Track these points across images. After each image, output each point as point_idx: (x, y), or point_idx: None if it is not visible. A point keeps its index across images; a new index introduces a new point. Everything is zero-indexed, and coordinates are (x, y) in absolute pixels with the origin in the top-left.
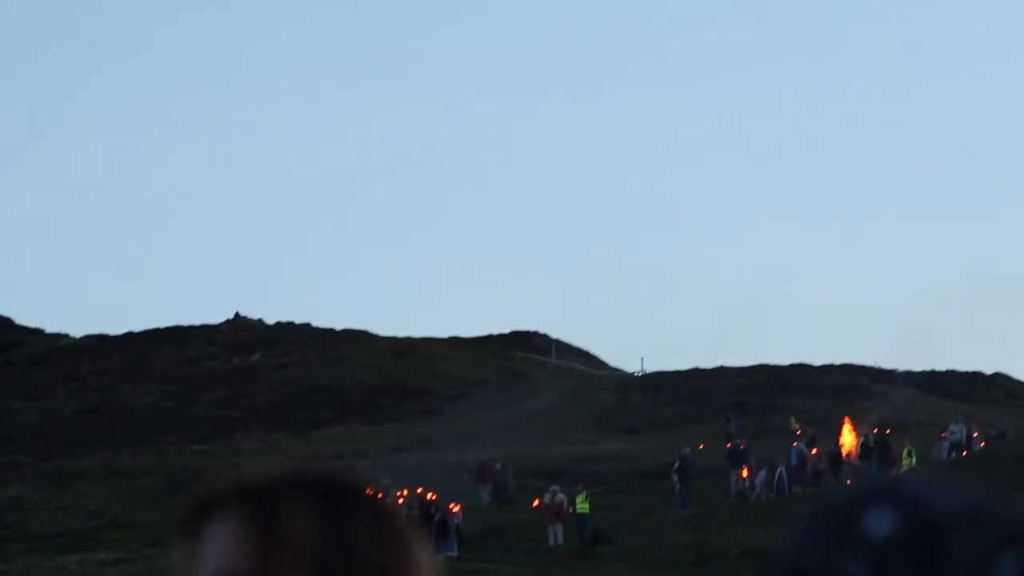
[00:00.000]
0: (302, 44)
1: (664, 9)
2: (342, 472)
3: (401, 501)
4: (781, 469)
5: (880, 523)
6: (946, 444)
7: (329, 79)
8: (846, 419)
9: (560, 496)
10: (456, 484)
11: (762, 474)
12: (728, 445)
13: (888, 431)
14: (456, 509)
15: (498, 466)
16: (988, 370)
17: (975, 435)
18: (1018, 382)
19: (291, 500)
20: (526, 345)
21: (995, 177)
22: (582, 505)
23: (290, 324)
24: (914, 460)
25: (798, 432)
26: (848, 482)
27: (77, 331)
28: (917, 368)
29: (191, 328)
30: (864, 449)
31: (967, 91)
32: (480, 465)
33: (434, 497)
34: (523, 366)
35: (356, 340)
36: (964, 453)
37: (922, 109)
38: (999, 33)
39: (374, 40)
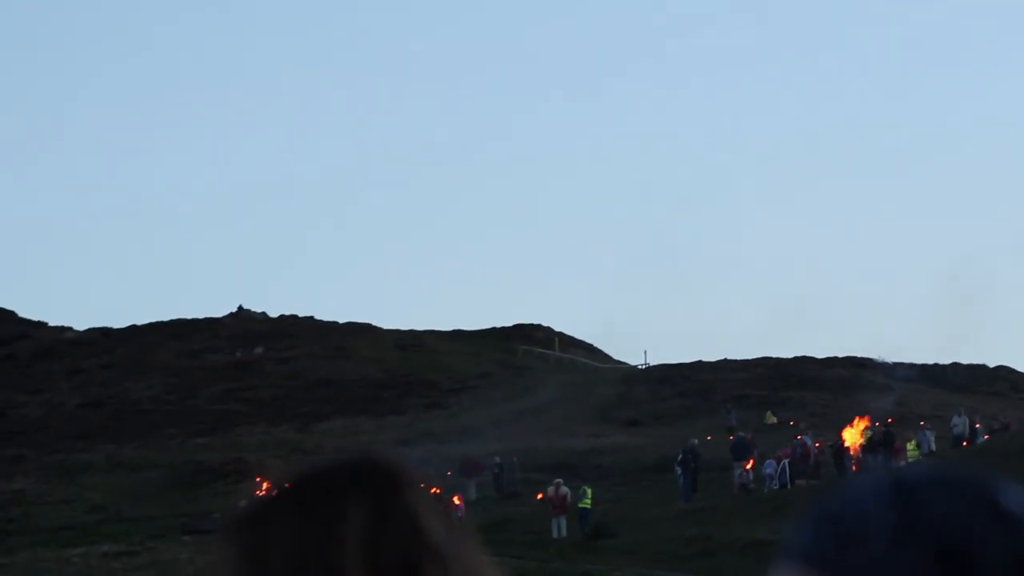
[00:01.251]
0: (305, 44)
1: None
2: (389, 458)
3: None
4: (784, 462)
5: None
6: (930, 435)
7: (331, 77)
8: (857, 418)
9: (564, 489)
10: (444, 479)
11: (771, 463)
12: (731, 438)
13: (890, 421)
14: (459, 502)
15: (496, 460)
16: (992, 363)
17: (977, 427)
18: (1021, 374)
19: (342, 489)
20: (529, 338)
21: (999, 171)
22: (585, 501)
23: (294, 317)
24: (919, 452)
25: (773, 423)
26: (856, 473)
27: (81, 324)
28: (920, 361)
29: (195, 321)
30: (871, 442)
31: (980, 86)
32: (465, 459)
33: (438, 491)
34: (526, 359)
35: (360, 333)
36: (965, 444)
37: (920, 106)
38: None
39: (377, 39)
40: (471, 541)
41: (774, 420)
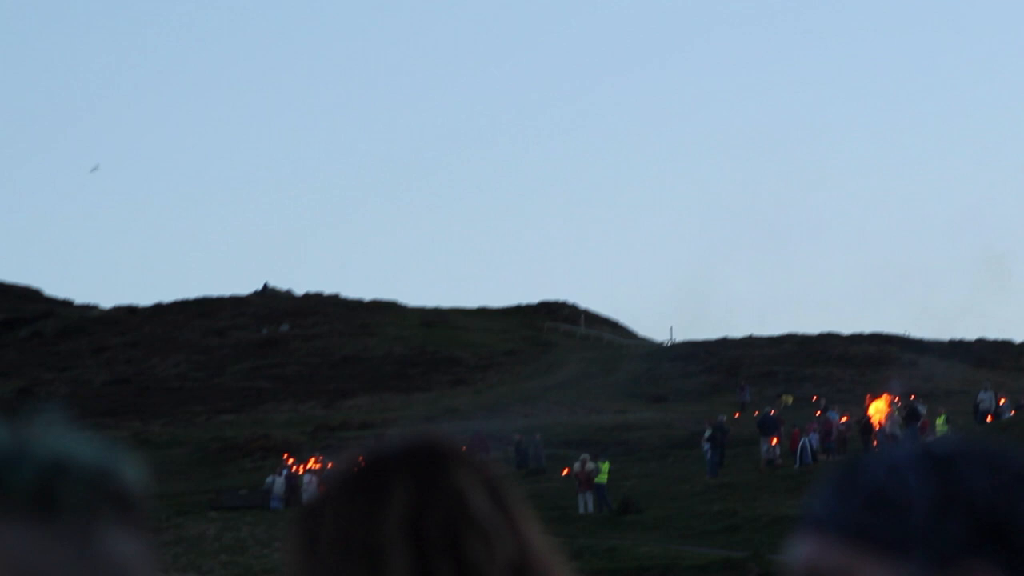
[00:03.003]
0: (333, 25)
1: None
2: (441, 439)
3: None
4: (805, 439)
5: None
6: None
7: (359, 57)
8: (884, 394)
9: (590, 464)
10: None
11: (814, 436)
12: (756, 413)
13: (911, 397)
14: None
15: (516, 437)
16: (1018, 338)
17: (1003, 403)
18: None
19: (390, 470)
20: (555, 315)
21: None
22: (601, 476)
23: (319, 295)
24: (947, 427)
25: (789, 403)
26: (882, 447)
27: (106, 302)
28: (946, 337)
29: (220, 299)
30: (902, 416)
31: None
32: (475, 435)
33: (497, 469)
34: (552, 336)
35: (385, 311)
36: (989, 419)
37: (927, 101)
38: None
39: (417, 19)
40: (522, 517)
41: (789, 401)
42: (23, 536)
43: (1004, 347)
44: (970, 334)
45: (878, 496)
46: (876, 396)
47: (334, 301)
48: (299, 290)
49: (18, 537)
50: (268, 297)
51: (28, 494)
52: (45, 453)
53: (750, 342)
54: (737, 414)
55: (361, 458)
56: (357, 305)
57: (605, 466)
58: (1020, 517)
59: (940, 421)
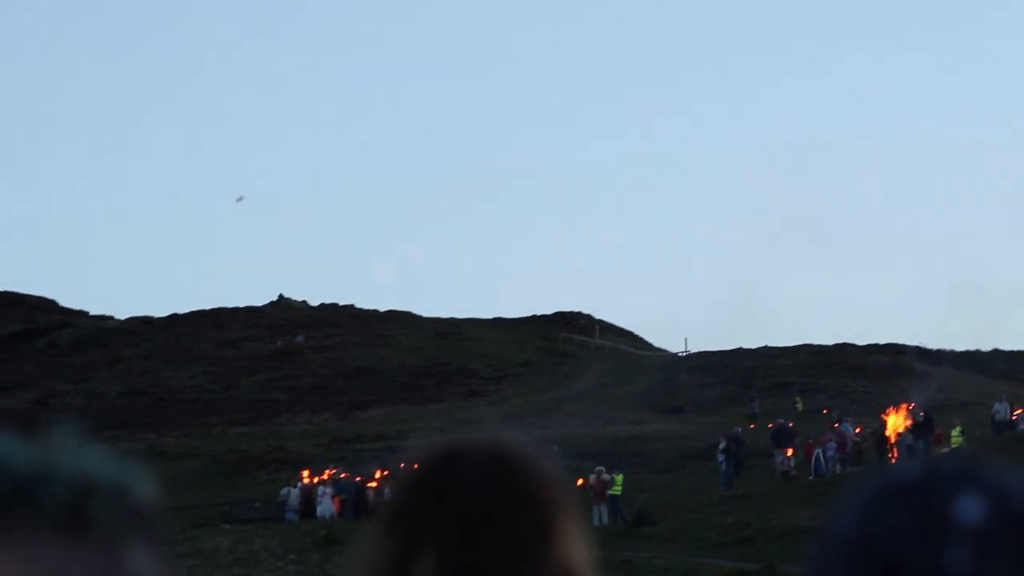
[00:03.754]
0: (342, 33)
1: None
2: (503, 441)
3: None
4: (818, 451)
5: (973, 509)
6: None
7: (372, 65)
8: (902, 404)
9: (605, 476)
10: None
11: (830, 446)
12: (770, 425)
13: (921, 412)
14: None
15: (555, 448)
16: None
17: (1019, 413)
18: None
19: (454, 470)
20: (570, 326)
21: None
22: (615, 488)
23: (334, 306)
24: (962, 439)
25: (800, 409)
26: (897, 462)
27: (121, 313)
28: (961, 348)
29: (235, 310)
30: (917, 428)
31: None
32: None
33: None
34: (567, 347)
35: (400, 321)
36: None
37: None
38: None
39: (429, 27)
40: (563, 522)
41: (799, 406)
42: (55, 554)
43: (1019, 358)
44: (985, 345)
45: (896, 522)
46: (895, 407)
47: (349, 312)
48: (314, 301)
49: (50, 555)
50: (283, 308)
51: (59, 512)
52: (73, 470)
53: (765, 352)
54: (752, 425)
55: (421, 459)
56: (372, 316)
57: (619, 478)
58: (917, 559)
59: (955, 432)
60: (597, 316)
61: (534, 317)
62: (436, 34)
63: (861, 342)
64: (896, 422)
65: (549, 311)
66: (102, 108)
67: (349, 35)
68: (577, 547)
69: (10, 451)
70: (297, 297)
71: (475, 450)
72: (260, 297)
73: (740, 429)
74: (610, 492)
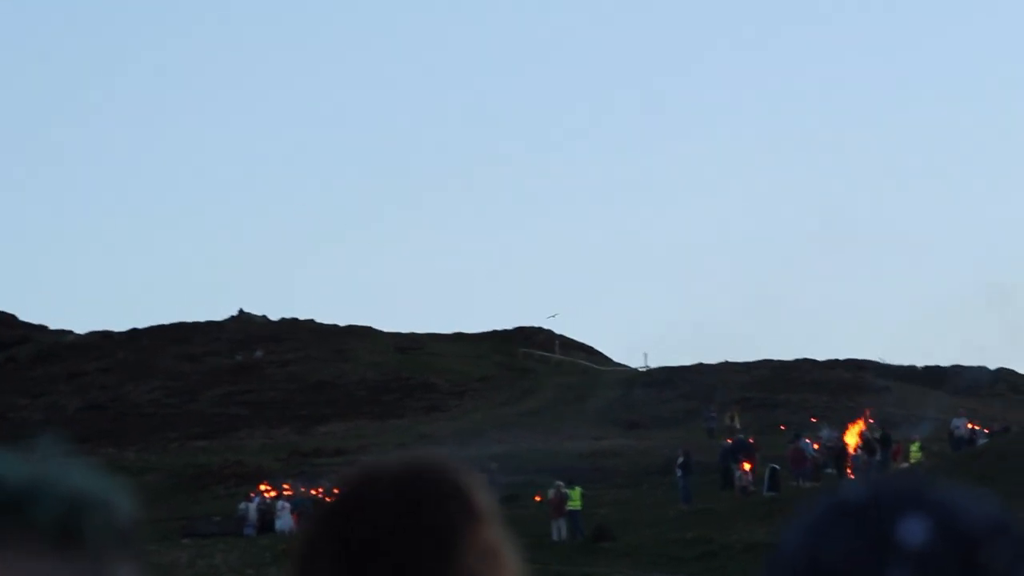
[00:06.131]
0: (308, 44)
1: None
2: (419, 462)
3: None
4: (772, 466)
5: (916, 531)
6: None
7: (334, 79)
8: (860, 419)
9: (564, 491)
10: None
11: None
12: (729, 440)
13: (872, 422)
14: None
15: (494, 466)
16: (992, 365)
17: (977, 429)
18: (1022, 376)
19: (375, 493)
20: (530, 341)
21: (1010, 182)
22: (574, 502)
23: (294, 320)
24: (921, 454)
25: (737, 426)
26: (853, 479)
27: (81, 328)
28: (920, 363)
29: (195, 325)
30: (869, 445)
31: None
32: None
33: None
34: (527, 362)
35: (360, 336)
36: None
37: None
38: None
39: (377, 42)
40: (476, 542)
41: (734, 421)
42: (48, 569)
43: (979, 373)
44: (945, 360)
45: (839, 543)
46: (853, 422)
47: (309, 326)
48: (274, 315)
49: (43, 570)
50: (243, 323)
51: (52, 528)
52: (64, 487)
53: (726, 367)
54: (730, 440)
55: (357, 478)
56: (332, 330)
57: (576, 492)
58: None
59: (915, 448)
60: (557, 331)
61: (495, 332)
62: (393, 53)
63: (821, 357)
64: (852, 437)
65: (510, 326)
66: (61, 119)
67: (308, 51)
68: (498, 566)
69: (2, 466)
70: (257, 311)
71: (385, 476)
72: (220, 312)
73: (684, 447)
74: (569, 507)
